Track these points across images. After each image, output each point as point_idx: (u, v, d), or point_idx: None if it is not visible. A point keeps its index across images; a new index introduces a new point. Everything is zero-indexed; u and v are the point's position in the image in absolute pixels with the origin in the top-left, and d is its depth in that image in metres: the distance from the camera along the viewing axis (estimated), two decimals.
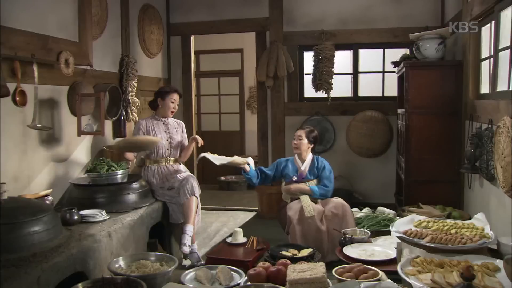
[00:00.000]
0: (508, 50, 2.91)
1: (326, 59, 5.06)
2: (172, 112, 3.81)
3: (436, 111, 3.92)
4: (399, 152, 4.65)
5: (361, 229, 3.24)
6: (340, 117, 5.26)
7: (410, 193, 3.99)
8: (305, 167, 3.71)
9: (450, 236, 2.41)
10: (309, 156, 3.75)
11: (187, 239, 3.35)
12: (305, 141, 3.70)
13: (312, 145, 3.76)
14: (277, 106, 5.40)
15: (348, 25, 5.16)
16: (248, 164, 3.72)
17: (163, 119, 3.81)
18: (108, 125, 4.19)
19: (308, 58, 5.32)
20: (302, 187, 3.64)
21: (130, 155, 3.72)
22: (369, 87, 5.39)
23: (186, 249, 3.32)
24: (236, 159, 3.74)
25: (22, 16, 2.96)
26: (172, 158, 3.78)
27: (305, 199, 3.46)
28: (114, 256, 2.72)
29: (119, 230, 2.91)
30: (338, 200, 3.55)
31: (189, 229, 3.39)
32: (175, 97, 3.79)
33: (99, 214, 2.97)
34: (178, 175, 3.63)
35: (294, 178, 3.68)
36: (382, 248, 2.85)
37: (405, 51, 4.79)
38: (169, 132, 3.79)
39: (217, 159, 3.70)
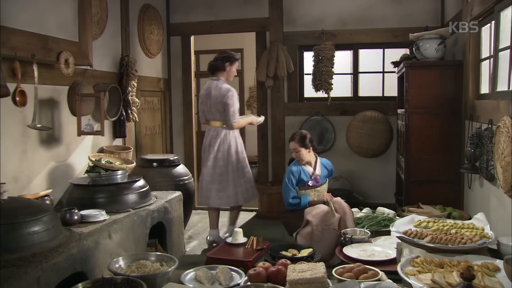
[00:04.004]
0: (508, 50, 2.91)
1: (326, 59, 5.06)
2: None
3: (436, 111, 3.92)
4: (399, 152, 4.65)
5: (361, 229, 3.24)
6: (340, 117, 5.26)
7: (410, 193, 3.98)
8: (317, 170, 3.68)
9: (450, 236, 2.41)
10: (318, 160, 3.74)
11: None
12: (303, 150, 3.63)
13: (311, 147, 3.70)
14: (277, 106, 5.40)
15: (348, 25, 5.16)
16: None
17: None
18: (108, 125, 4.19)
19: (308, 58, 5.32)
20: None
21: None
22: (369, 87, 5.39)
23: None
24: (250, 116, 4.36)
25: (22, 16, 2.96)
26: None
27: (330, 203, 3.49)
28: (114, 256, 2.72)
29: (119, 230, 2.91)
30: (337, 199, 3.54)
31: None
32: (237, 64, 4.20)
33: (99, 214, 2.96)
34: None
35: (310, 183, 3.62)
36: (382, 248, 2.85)
37: (405, 51, 4.79)
38: None
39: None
